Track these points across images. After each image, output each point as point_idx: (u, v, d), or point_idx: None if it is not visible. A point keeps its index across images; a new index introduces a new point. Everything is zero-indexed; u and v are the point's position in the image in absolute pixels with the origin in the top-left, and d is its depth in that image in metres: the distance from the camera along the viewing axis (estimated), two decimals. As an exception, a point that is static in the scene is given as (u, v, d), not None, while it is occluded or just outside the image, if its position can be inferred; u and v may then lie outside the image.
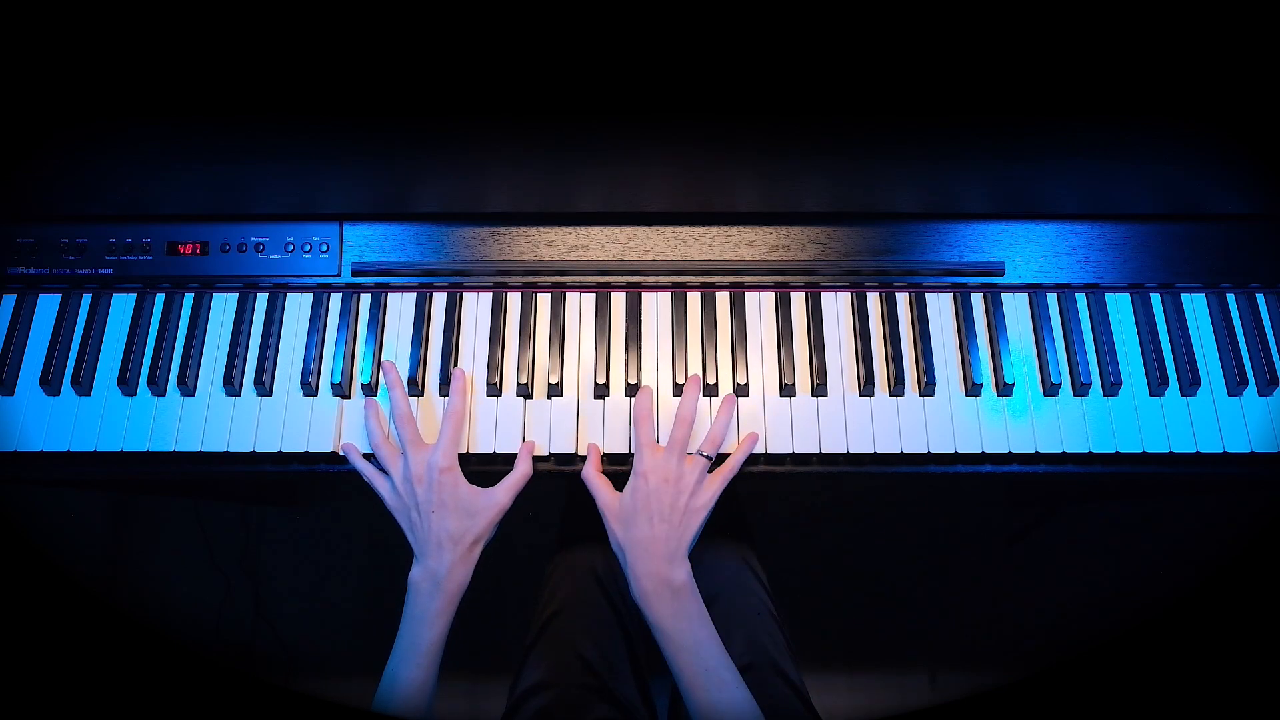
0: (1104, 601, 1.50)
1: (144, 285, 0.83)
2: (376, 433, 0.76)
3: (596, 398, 0.80)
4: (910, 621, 1.49)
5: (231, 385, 0.80)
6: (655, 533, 0.69)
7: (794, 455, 0.78)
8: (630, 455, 0.78)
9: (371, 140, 0.74)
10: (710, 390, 0.80)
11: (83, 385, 0.80)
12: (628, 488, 0.72)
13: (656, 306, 0.83)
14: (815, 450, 0.78)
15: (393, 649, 0.70)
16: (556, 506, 1.09)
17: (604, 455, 0.78)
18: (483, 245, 0.82)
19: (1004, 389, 0.79)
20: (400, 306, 0.83)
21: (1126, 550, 1.52)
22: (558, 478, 0.79)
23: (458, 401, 0.76)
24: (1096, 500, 1.49)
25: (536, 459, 0.78)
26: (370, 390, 0.80)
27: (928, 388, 0.79)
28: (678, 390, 0.80)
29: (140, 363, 0.81)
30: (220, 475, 0.79)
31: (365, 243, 0.83)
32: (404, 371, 0.80)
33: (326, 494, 1.56)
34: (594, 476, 0.75)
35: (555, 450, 0.78)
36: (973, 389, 0.79)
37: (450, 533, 0.71)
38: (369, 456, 0.77)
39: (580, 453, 0.78)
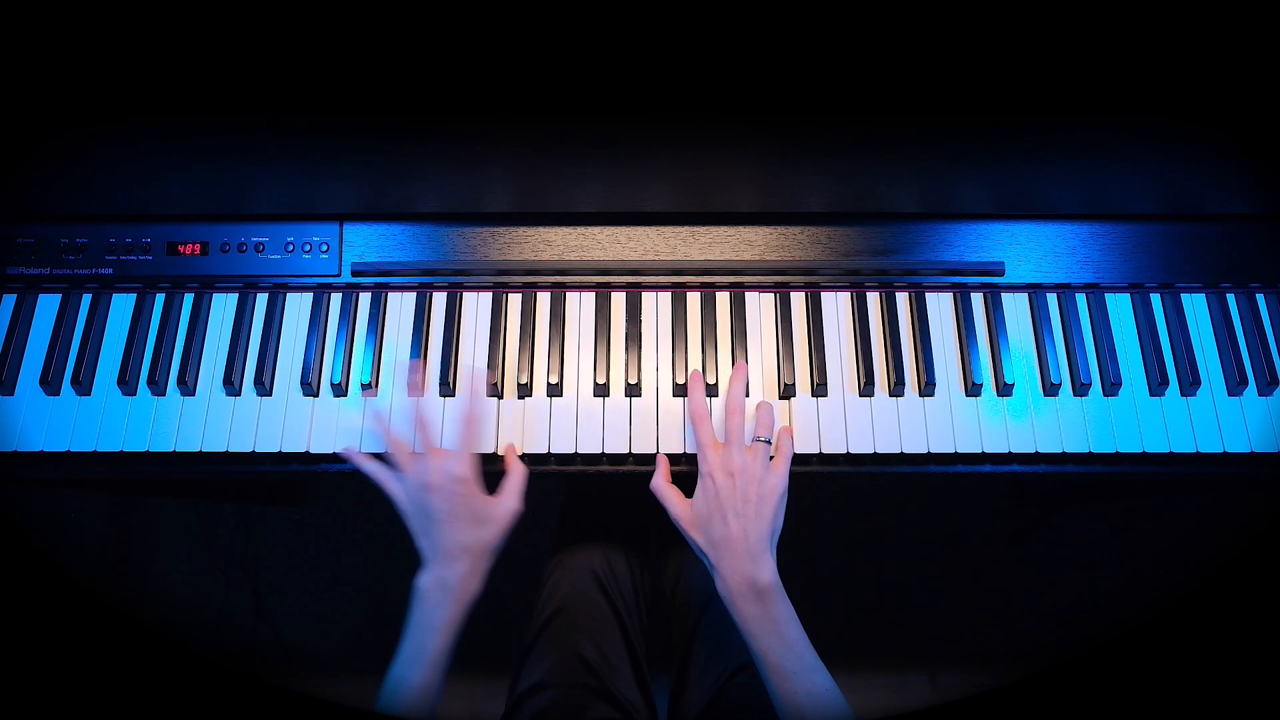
0: (1104, 601, 1.50)
1: (144, 285, 0.83)
2: (389, 433, 0.75)
3: (596, 397, 0.80)
4: (910, 621, 1.49)
5: (231, 385, 0.80)
6: (732, 531, 0.67)
7: (794, 455, 0.78)
8: (630, 455, 0.78)
9: (371, 140, 0.74)
10: (710, 390, 0.80)
11: (83, 385, 0.80)
12: (697, 491, 0.70)
13: (656, 306, 0.83)
14: (815, 450, 0.78)
15: (396, 654, 0.69)
16: (556, 507, 1.09)
17: (605, 455, 0.77)
18: (483, 245, 0.82)
19: (1004, 389, 0.79)
20: (400, 306, 0.83)
21: (1126, 550, 1.52)
22: (558, 478, 0.79)
23: (472, 405, 0.74)
24: (1097, 500, 1.49)
25: (536, 458, 0.77)
26: (370, 390, 0.80)
27: (928, 388, 0.79)
28: (678, 390, 0.80)
29: (140, 363, 0.81)
30: (220, 475, 0.79)
31: (365, 243, 0.83)
32: (404, 372, 0.80)
33: (326, 494, 1.56)
34: (664, 487, 0.73)
35: (555, 450, 0.78)
36: (973, 389, 0.79)
37: (463, 543, 0.69)
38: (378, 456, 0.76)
39: (581, 452, 0.78)
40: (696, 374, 0.77)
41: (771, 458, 0.71)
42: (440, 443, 0.76)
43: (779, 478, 0.70)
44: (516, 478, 0.74)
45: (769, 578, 0.67)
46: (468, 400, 0.75)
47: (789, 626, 0.67)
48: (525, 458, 0.77)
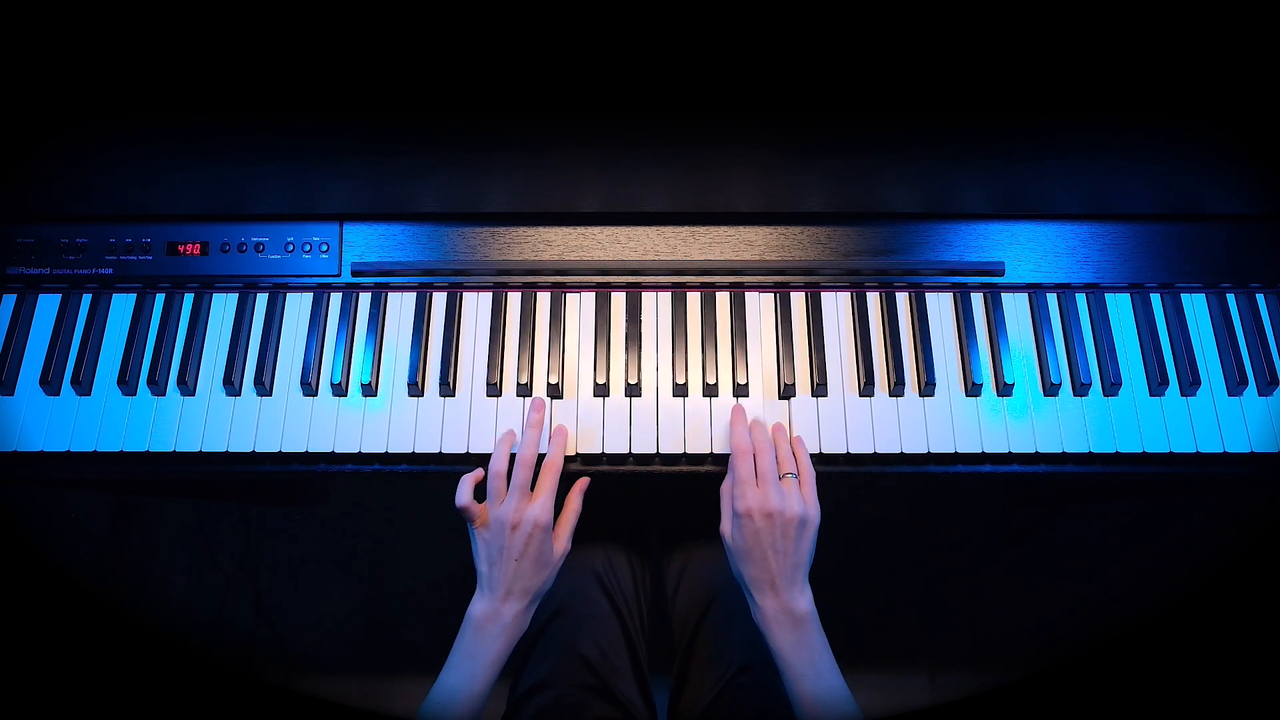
0: (1104, 601, 1.50)
1: (144, 285, 0.83)
2: (500, 461, 0.73)
3: (596, 397, 0.80)
4: (910, 621, 1.49)
5: (231, 385, 0.80)
6: (770, 565, 0.68)
7: (794, 455, 0.78)
8: (630, 455, 0.78)
9: (371, 140, 0.74)
10: (710, 390, 0.80)
11: (83, 385, 0.80)
12: (735, 526, 0.70)
13: (656, 306, 0.83)
14: (815, 450, 0.78)
15: (439, 682, 0.69)
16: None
17: (605, 455, 0.77)
18: (483, 245, 0.82)
19: (1004, 389, 0.79)
20: (400, 306, 0.83)
21: (1126, 550, 1.52)
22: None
23: (556, 455, 0.75)
24: (1096, 500, 1.49)
25: (537, 458, 0.77)
26: (369, 390, 0.80)
27: (928, 388, 0.79)
28: (678, 390, 0.80)
29: (140, 363, 0.81)
30: (220, 475, 0.79)
31: (365, 243, 0.83)
32: (404, 373, 0.80)
33: (326, 494, 1.56)
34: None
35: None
36: (973, 389, 0.79)
37: (526, 586, 0.70)
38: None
39: (580, 452, 0.78)
40: (739, 409, 0.77)
41: (798, 480, 0.72)
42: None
43: (815, 510, 0.71)
44: (570, 517, 0.75)
45: (805, 606, 0.68)
46: (556, 451, 0.76)
47: (821, 656, 0.68)
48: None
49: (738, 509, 0.70)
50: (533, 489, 0.72)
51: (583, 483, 0.77)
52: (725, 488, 0.73)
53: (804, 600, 0.69)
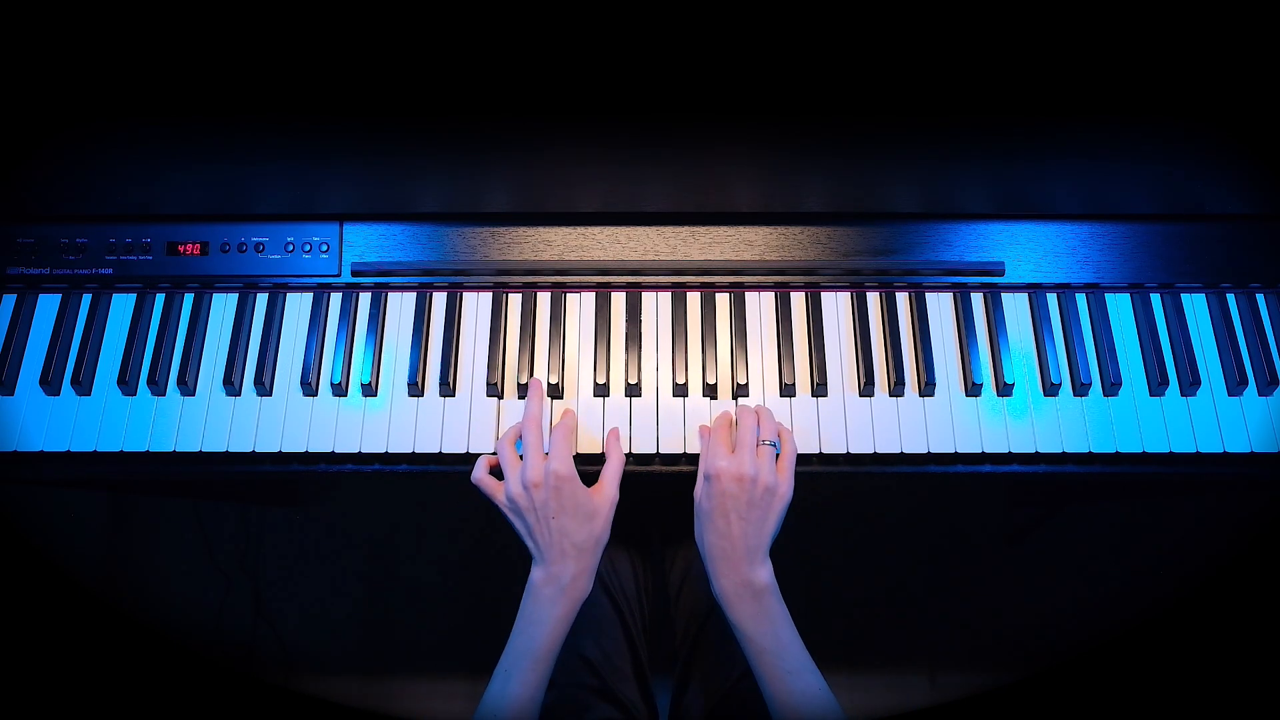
0: (1104, 601, 1.50)
1: (144, 285, 0.83)
2: (509, 432, 0.74)
3: (596, 397, 0.80)
4: (910, 621, 1.49)
5: (231, 385, 0.80)
6: (734, 533, 0.68)
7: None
8: (630, 455, 0.78)
9: (371, 140, 0.74)
10: (710, 390, 0.80)
11: (83, 385, 0.80)
12: (703, 489, 0.70)
13: (656, 306, 0.83)
14: (815, 450, 0.78)
15: (504, 654, 0.69)
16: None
17: (605, 455, 0.77)
18: (483, 245, 0.82)
19: (1004, 389, 0.79)
20: (400, 306, 0.83)
21: (1126, 550, 1.52)
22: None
23: (567, 418, 0.76)
24: (1097, 500, 1.49)
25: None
26: (369, 390, 0.80)
27: (928, 388, 0.79)
28: (679, 390, 0.80)
29: (140, 363, 0.81)
30: (220, 475, 0.79)
31: (365, 243, 0.83)
32: (404, 373, 0.80)
33: (326, 494, 1.56)
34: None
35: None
36: (973, 389, 0.79)
37: (575, 541, 0.69)
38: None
39: (581, 452, 0.78)
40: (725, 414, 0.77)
41: (777, 457, 0.72)
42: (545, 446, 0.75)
43: (788, 484, 0.70)
44: (614, 466, 0.74)
45: (765, 579, 0.68)
46: (562, 411, 0.76)
47: (783, 627, 0.67)
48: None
49: (708, 470, 0.69)
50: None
51: (615, 431, 0.77)
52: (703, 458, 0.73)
53: (764, 573, 0.68)
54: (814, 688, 0.65)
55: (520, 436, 0.73)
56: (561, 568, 0.69)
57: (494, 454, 0.75)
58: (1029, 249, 0.82)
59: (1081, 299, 0.83)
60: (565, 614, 0.69)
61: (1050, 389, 0.79)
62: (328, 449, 0.78)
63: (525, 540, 0.71)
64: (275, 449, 0.78)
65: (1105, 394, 0.79)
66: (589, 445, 0.78)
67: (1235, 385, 0.79)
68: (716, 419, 0.75)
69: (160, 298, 0.83)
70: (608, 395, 0.80)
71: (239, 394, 0.80)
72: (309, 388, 0.80)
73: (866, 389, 0.79)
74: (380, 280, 0.83)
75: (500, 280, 0.83)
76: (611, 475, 0.73)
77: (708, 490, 0.69)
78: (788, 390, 0.80)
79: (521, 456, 0.71)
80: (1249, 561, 1.46)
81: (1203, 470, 0.78)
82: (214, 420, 0.79)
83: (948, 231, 0.82)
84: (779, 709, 0.65)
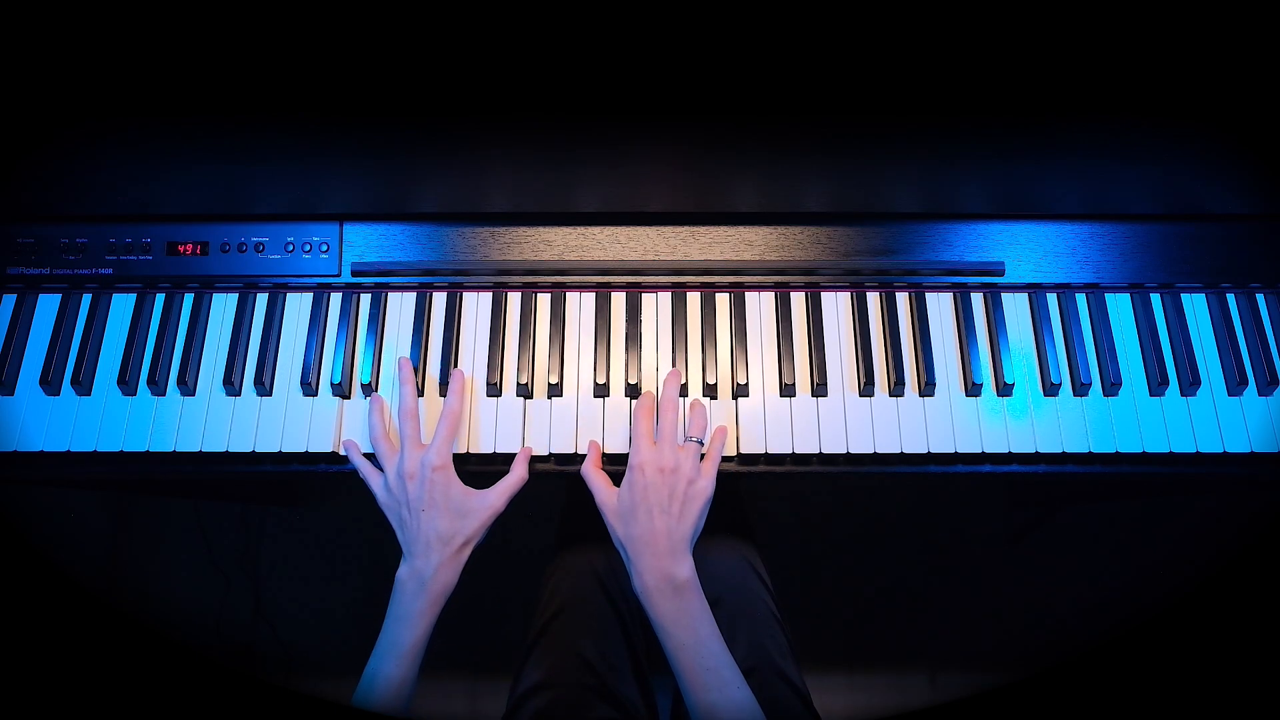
0: (1104, 601, 1.50)
1: (144, 285, 0.83)
2: (378, 427, 0.76)
3: (596, 397, 0.80)
4: (910, 621, 1.49)
5: (231, 385, 0.80)
6: (656, 526, 0.68)
7: (794, 455, 0.78)
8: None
9: (371, 140, 0.74)
10: (710, 390, 0.80)
11: (83, 385, 0.80)
12: (624, 482, 0.71)
13: (656, 306, 0.83)
14: (815, 450, 0.78)
15: (375, 646, 0.70)
16: (556, 506, 1.09)
17: (605, 455, 0.77)
18: (483, 245, 0.82)
19: (1004, 389, 0.79)
20: (400, 306, 0.83)
21: (1126, 550, 1.52)
22: (558, 478, 0.79)
23: (455, 402, 0.76)
24: (1097, 500, 1.49)
25: (537, 459, 0.78)
26: (370, 390, 0.80)
27: (928, 388, 0.79)
28: (680, 390, 0.79)
29: (140, 363, 0.81)
30: (220, 475, 0.79)
31: (365, 243, 0.83)
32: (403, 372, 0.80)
33: (326, 494, 1.56)
34: (593, 473, 0.74)
35: (555, 450, 0.78)
36: (973, 389, 0.79)
37: (439, 533, 0.70)
38: (369, 456, 0.77)
39: (580, 452, 0.78)
40: (674, 372, 0.78)
41: (703, 457, 0.73)
42: (424, 438, 0.76)
43: (708, 480, 0.71)
44: (510, 480, 0.75)
45: (687, 574, 0.68)
46: (454, 398, 0.76)
47: (703, 623, 0.67)
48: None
49: (631, 462, 0.70)
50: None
51: (526, 451, 0.77)
52: (585, 468, 0.74)
53: (685, 568, 0.68)
54: (731, 685, 0.65)
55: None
56: (424, 561, 0.70)
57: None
58: (1029, 249, 0.82)
59: (1081, 299, 0.83)
60: (428, 607, 0.69)
61: (1050, 389, 0.79)
62: (328, 449, 0.78)
63: (397, 534, 0.72)
64: (275, 449, 0.78)
65: (1105, 394, 0.79)
66: (588, 446, 0.78)
67: (1235, 385, 0.79)
68: (638, 404, 0.75)
69: (160, 298, 0.83)
70: (608, 395, 0.80)
71: (239, 394, 0.80)
72: (309, 388, 0.80)
73: (866, 389, 0.79)
74: (380, 280, 0.83)
75: (500, 280, 0.83)
76: (505, 487, 0.74)
77: (629, 481, 0.70)
78: (788, 390, 0.80)
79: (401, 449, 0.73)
80: (1249, 561, 1.46)
81: (1203, 470, 0.78)
82: (214, 420, 0.79)
83: (948, 231, 0.82)
84: (696, 706, 0.65)
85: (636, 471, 0.70)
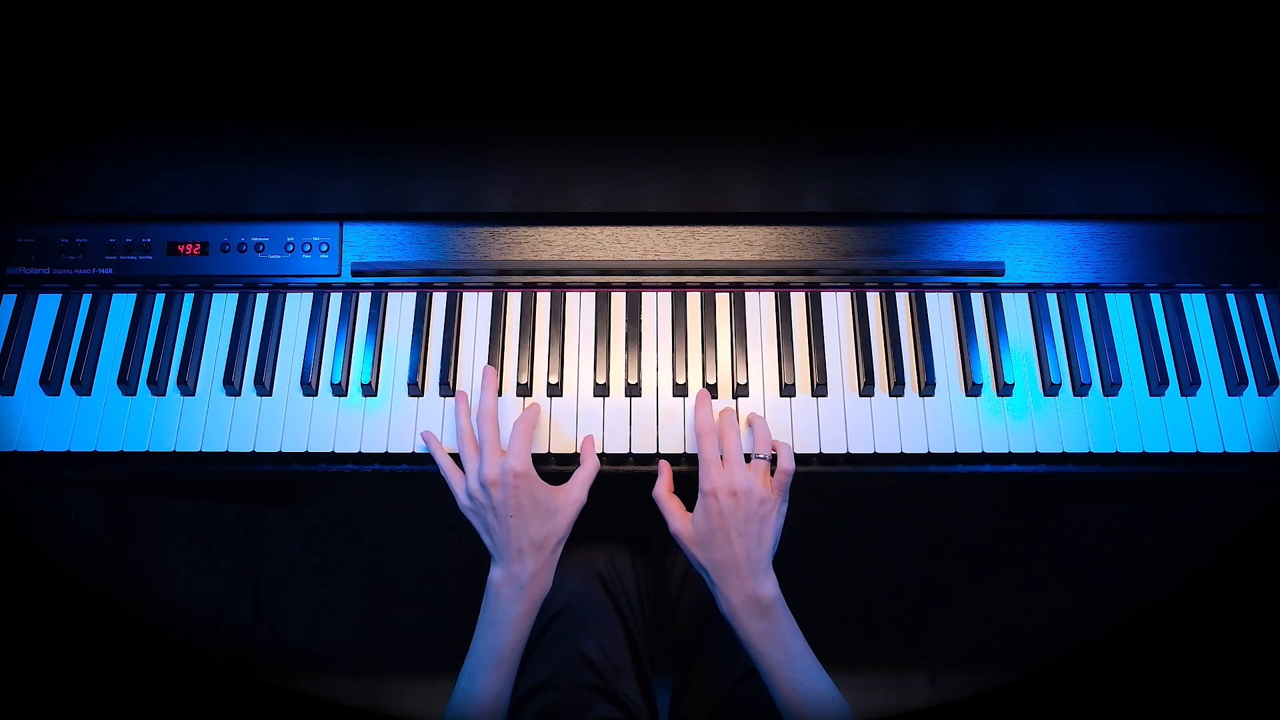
0: (1104, 601, 1.50)
1: (144, 285, 0.83)
2: (465, 429, 0.75)
3: (596, 397, 0.80)
4: (910, 621, 1.49)
5: (231, 385, 0.80)
6: (735, 550, 0.68)
7: (794, 455, 0.77)
8: (630, 455, 0.78)
9: (371, 140, 0.74)
10: (710, 390, 0.80)
11: (83, 385, 0.80)
12: (699, 508, 0.70)
13: (656, 306, 0.83)
14: (815, 450, 0.78)
15: (469, 655, 0.70)
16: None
17: (605, 455, 0.77)
18: (483, 245, 0.82)
19: (1004, 389, 0.79)
20: (400, 306, 0.83)
21: (1126, 550, 1.52)
22: (560, 478, 0.79)
23: (529, 412, 0.76)
24: (1097, 500, 1.49)
25: (536, 458, 0.78)
26: (369, 390, 0.80)
27: (928, 388, 0.79)
28: (678, 390, 0.80)
29: (140, 363, 0.81)
30: (220, 475, 0.79)
31: (365, 243, 0.83)
32: (404, 373, 0.80)
33: (326, 494, 1.56)
34: (666, 498, 0.73)
35: (555, 450, 0.78)
36: (973, 389, 0.79)
37: (533, 539, 0.70)
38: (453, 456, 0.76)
39: (580, 452, 0.78)
40: (703, 393, 0.77)
41: (771, 472, 0.72)
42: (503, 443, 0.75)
43: (781, 497, 0.71)
44: (586, 470, 0.74)
45: (771, 592, 0.68)
46: (526, 411, 0.76)
47: (793, 639, 0.68)
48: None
49: (703, 488, 0.70)
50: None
51: (590, 439, 0.77)
52: (658, 491, 0.74)
53: (769, 586, 0.68)
54: (826, 696, 0.66)
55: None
56: (520, 566, 0.69)
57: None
58: (1029, 249, 0.82)
59: (1081, 299, 0.83)
60: (526, 612, 0.70)
61: (1050, 389, 0.79)
62: (328, 449, 0.78)
63: (483, 538, 0.72)
64: (275, 449, 0.78)
65: (1105, 394, 0.79)
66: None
67: (1235, 385, 0.79)
68: (699, 428, 0.74)
69: (160, 298, 0.83)
70: (608, 395, 0.80)
71: (239, 394, 0.80)
72: (309, 388, 0.80)
73: (866, 389, 0.79)
74: (380, 280, 0.83)
75: (500, 280, 0.83)
76: (582, 479, 0.74)
77: (703, 507, 0.70)
78: (788, 390, 0.80)
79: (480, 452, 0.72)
80: (1249, 561, 1.46)
81: (1203, 470, 0.78)
82: (214, 420, 0.79)
83: (948, 231, 0.82)
84: (792, 716, 0.66)
85: (710, 498, 0.69)
